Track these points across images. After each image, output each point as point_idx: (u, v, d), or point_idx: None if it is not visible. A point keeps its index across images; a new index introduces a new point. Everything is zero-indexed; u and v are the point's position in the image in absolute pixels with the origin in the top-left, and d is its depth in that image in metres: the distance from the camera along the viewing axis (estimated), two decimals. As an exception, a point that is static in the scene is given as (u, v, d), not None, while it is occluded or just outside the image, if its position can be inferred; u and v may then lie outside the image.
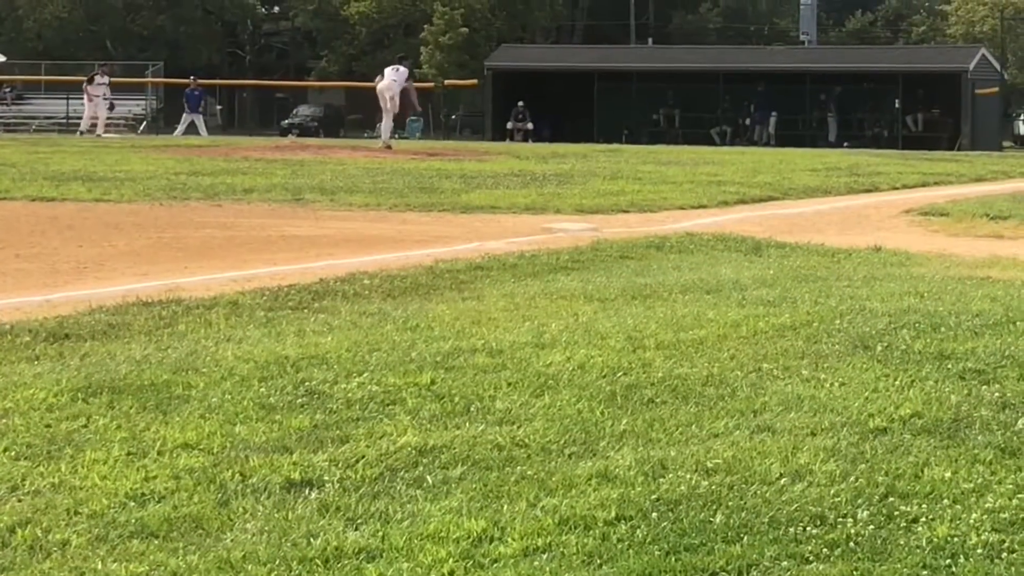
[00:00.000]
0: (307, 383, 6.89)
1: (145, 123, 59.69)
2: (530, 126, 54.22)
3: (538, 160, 28.03)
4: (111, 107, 47.64)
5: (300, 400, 6.57)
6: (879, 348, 7.72)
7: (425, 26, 68.17)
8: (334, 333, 8.34)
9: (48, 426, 5.96)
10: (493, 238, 14.35)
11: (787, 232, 15.02)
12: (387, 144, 33.36)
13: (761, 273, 11.22)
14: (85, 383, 6.73)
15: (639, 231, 15.16)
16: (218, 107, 78.20)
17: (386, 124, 34.52)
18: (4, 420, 6.01)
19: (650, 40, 79.20)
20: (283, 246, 14.07)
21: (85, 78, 47.22)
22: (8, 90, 65.29)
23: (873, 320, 8.56)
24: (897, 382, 6.92)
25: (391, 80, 33.42)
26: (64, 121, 58.21)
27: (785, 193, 21.27)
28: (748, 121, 55.36)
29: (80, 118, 47.36)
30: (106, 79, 45.82)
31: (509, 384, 6.87)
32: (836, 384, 6.89)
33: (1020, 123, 68.06)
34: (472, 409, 6.39)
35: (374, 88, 34.86)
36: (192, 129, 46.83)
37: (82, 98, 47.04)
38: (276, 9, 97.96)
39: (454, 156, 29.23)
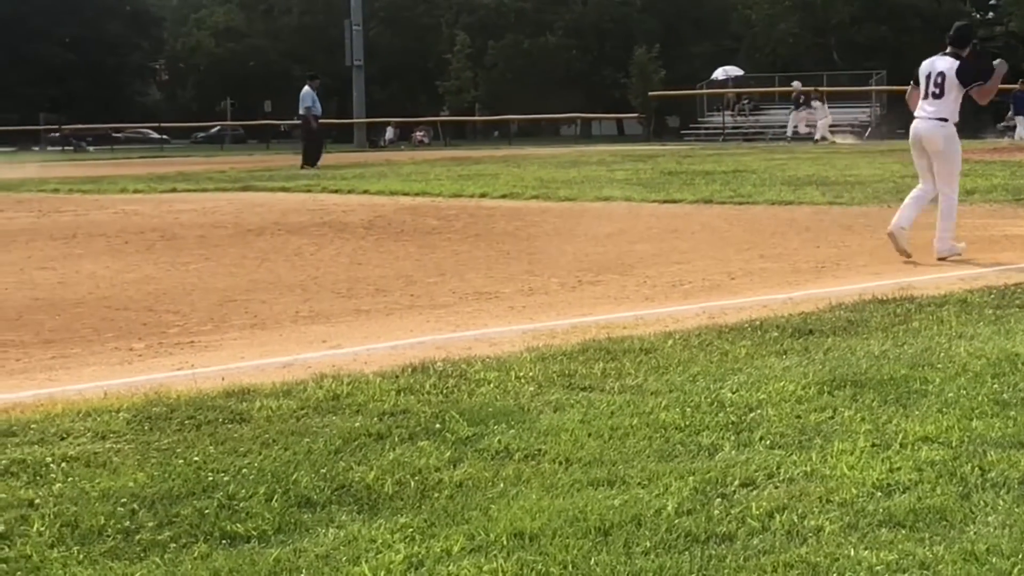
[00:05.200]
0: (1038, 381, 6.55)
1: (870, 129, 59.41)
2: None
3: None
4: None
5: (1033, 398, 6.25)
6: None
7: None
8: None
9: (798, 417, 5.97)
10: None
11: None
12: None
13: None
14: (829, 376, 6.70)
15: None
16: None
17: None
18: (759, 411, 6.07)
19: None
20: (1007, 245, 13.50)
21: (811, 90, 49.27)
22: (746, 101, 67.18)
23: None
24: None
25: None
26: (795, 130, 59.18)
27: None
28: None
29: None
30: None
31: None
32: None
33: None
34: None
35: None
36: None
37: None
38: (990, 15, 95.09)
39: None
